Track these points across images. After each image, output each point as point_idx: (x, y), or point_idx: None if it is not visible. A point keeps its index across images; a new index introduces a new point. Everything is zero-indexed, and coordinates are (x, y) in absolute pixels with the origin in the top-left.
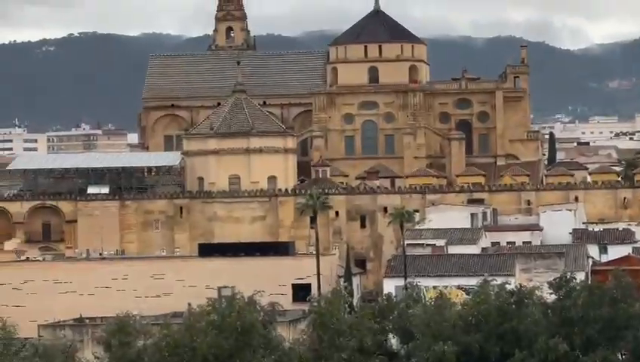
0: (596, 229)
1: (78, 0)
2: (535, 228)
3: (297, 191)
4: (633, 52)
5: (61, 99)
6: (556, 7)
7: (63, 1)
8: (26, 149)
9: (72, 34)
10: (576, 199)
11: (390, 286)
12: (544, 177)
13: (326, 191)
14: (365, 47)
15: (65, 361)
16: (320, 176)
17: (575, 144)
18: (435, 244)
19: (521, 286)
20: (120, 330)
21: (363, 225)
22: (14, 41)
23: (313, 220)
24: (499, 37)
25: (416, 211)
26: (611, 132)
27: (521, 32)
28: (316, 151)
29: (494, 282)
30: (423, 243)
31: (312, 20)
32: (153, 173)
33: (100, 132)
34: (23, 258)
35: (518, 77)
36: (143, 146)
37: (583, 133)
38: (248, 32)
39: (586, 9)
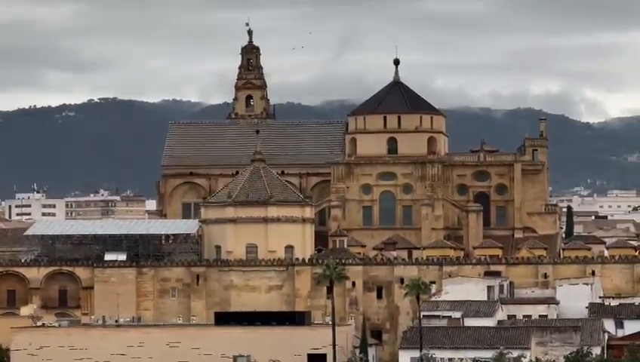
0: (613, 304)
1: (102, 65)
2: (551, 301)
3: (314, 261)
4: None
5: (80, 165)
6: (576, 80)
7: (87, 67)
8: (44, 215)
9: (92, 99)
10: (593, 273)
11: (406, 357)
12: (561, 251)
13: (343, 261)
14: (384, 117)
15: None
16: (337, 246)
17: (593, 218)
18: (451, 316)
19: (537, 359)
20: None
21: (379, 296)
22: (34, 106)
23: (330, 290)
24: (518, 109)
25: (433, 283)
26: (629, 206)
27: (541, 104)
28: (334, 221)
29: (510, 355)
30: (439, 315)
31: (331, 90)
32: (170, 241)
33: (118, 198)
34: (39, 324)
35: (536, 150)
36: (160, 213)
37: (601, 206)
38: (268, 100)
39: (605, 83)
